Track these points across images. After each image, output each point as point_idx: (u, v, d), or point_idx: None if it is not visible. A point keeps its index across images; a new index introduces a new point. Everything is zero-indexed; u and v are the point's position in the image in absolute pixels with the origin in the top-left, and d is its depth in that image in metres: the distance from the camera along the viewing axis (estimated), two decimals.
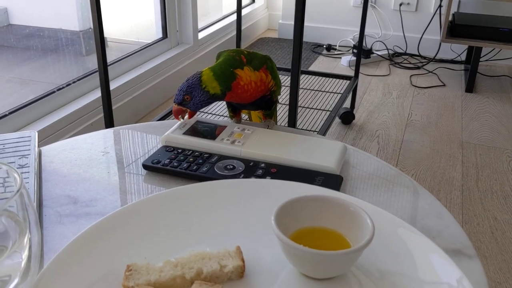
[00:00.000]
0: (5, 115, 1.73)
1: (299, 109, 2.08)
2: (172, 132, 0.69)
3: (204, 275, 0.43)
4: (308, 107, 2.21)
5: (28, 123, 1.81)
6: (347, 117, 2.31)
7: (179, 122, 0.71)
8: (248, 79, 0.68)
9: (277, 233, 0.43)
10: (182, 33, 2.74)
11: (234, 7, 2.45)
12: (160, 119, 1.80)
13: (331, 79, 2.44)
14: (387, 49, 3.27)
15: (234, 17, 3.22)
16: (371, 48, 3.18)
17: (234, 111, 0.76)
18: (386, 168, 0.66)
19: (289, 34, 3.62)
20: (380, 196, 0.60)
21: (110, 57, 1.94)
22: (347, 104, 2.34)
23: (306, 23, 1.33)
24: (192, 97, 0.67)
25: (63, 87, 1.98)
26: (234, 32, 3.06)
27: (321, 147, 0.66)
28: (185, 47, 2.70)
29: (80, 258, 0.44)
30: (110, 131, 0.75)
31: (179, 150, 0.66)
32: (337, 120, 2.33)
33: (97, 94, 2.04)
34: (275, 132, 0.71)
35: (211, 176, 0.60)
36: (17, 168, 0.60)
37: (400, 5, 3.26)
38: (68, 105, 1.97)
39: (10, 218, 0.40)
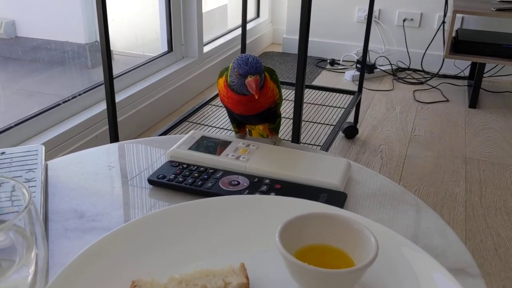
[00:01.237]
0: (11, 127, 1.74)
1: (302, 123, 2.09)
2: (177, 147, 0.69)
3: None
4: (311, 121, 2.22)
5: (33, 135, 1.82)
6: (351, 132, 2.32)
7: (185, 137, 0.72)
8: (270, 85, 0.70)
9: (281, 251, 0.43)
10: (187, 47, 2.76)
11: (239, 22, 2.47)
12: (163, 133, 1.81)
13: (334, 93, 2.45)
14: (391, 64, 3.28)
15: (239, 31, 3.24)
16: (374, 63, 3.20)
17: (239, 126, 0.77)
18: (390, 186, 0.66)
19: (293, 49, 3.64)
20: (384, 214, 0.60)
21: (115, 70, 1.96)
22: (350, 118, 2.35)
23: (310, 38, 1.34)
24: (260, 76, 0.67)
25: (68, 100, 1.99)
26: (239, 46, 3.08)
27: (325, 164, 0.66)
28: (190, 61, 2.72)
29: (86, 273, 0.45)
30: (115, 145, 0.76)
31: (184, 165, 0.66)
32: (340, 134, 2.34)
33: (102, 106, 2.06)
34: (280, 148, 0.71)
35: (215, 191, 0.61)
36: (24, 182, 0.61)
37: (404, 21, 3.28)
38: (73, 118, 1.98)
39: (18, 233, 0.40)
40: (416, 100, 2.82)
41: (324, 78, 3.17)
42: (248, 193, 0.60)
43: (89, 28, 2.36)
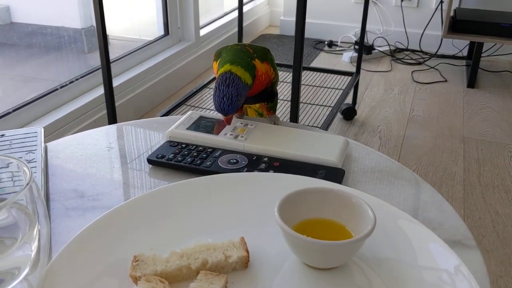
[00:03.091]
0: (9, 113, 1.74)
1: (301, 105, 2.08)
2: (176, 127, 0.69)
3: (209, 265, 0.44)
4: (310, 103, 2.22)
5: (32, 121, 1.82)
6: (349, 113, 2.32)
7: (183, 117, 0.72)
8: (262, 69, 0.69)
9: (280, 224, 0.44)
10: (184, 30, 2.74)
11: (236, 4, 2.45)
12: (163, 115, 1.81)
13: (332, 75, 2.45)
14: (389, 45, 3.27)
15: (235, 13, 3.22)
16: (372, 44, 3.18)
17: None
18: (388, 162, 0.67)
19: (291, 31, 3.62)
20: (382, 189, 0.61)
21: (112, 55, 1.95)
22: (348, 100, 2.35)
23: (307, 20, 1.34)
24: (242, 97, 0.66)
25: (65, 85, 1.99)
26: (236, 29, 3.07)
27: (323, 141, 0.67)
28: (186, 44, 2.70)
29: (88, 249, 0.45)
30: (114, 126, 0.76)
31: (183, 145, 0.66)
32: (339, 116, 2.34)
33: (100, 91, 2.05)
34: (277, 126, 0.71)
35: (214, 170, 0.61)
36: None
37: (402, 0, 3.26)
38: (71, 103, 1.98)
39: (20, 210, 0.41)
40: (415, 81, 2.82)
41: (322, 59, 3.16)
42: (246, 171, 0.61)
43: (85, 12, 2.34)
